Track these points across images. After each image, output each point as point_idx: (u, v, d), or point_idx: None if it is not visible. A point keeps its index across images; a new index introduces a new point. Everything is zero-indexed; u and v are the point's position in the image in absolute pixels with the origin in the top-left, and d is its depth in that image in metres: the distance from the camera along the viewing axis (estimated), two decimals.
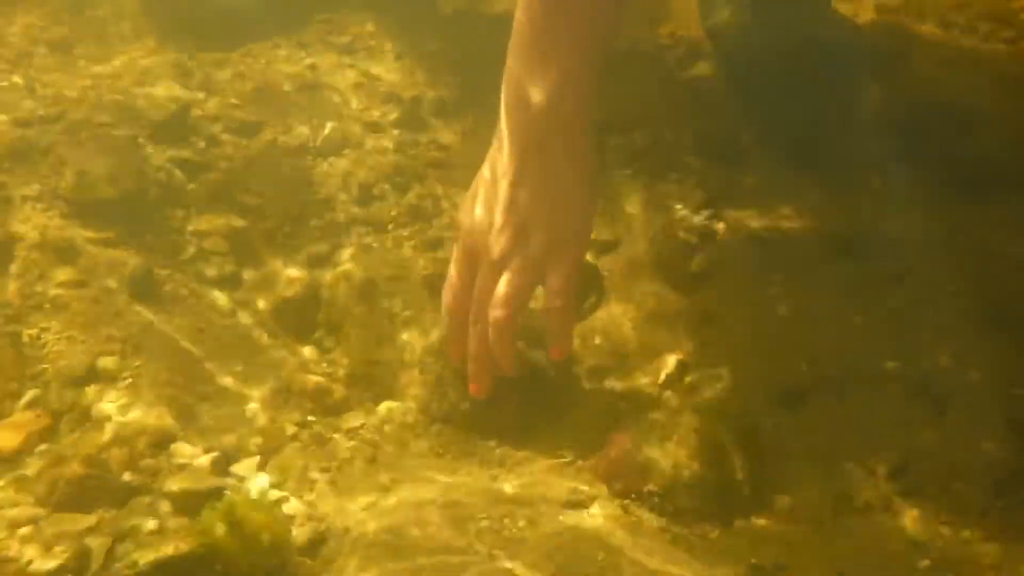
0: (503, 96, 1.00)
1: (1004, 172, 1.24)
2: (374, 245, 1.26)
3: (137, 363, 1.05)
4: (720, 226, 1.26)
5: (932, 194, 1.24)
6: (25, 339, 1.06)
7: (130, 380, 1.04)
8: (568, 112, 0.96)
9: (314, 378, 1.11)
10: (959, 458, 0.96)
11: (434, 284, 1.18)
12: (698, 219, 1.27)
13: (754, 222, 1.26)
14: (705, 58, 1.45)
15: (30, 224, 1.17)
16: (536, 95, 0.95)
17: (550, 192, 0.97)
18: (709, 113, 1.38)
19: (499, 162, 0.99)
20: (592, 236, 1.24)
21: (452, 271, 1.02)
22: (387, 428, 1.06)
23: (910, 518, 0.93)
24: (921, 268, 1.16)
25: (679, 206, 1.28)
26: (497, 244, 0.97)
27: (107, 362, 1.05)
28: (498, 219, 0.97)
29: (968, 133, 1.26)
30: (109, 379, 1.04)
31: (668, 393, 1.09)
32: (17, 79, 1.39)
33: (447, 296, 1.03)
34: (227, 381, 1.08)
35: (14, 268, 1.13)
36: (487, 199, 0.98)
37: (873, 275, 1.17)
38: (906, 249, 1.19)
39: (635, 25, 1.53)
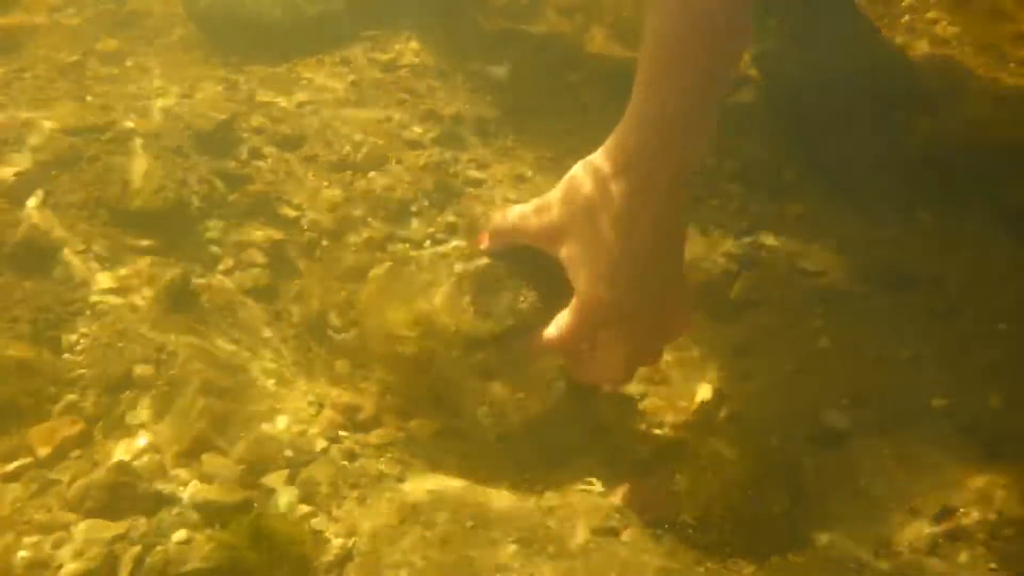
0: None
1: None
2: (412, 262, 1.26)
3: (172, 372, 1.05)
4: (761, 255, 1.24)
5: (983, 233, 1.21)
6: (65, 344, 1.07)
7: (165, 389, 1.04)
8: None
9: (346, 393, 1.11)
10: (1009, 503, 0.92)
11: None
12: (739, 246, 1.25)
13: (797, 252, 1.24)
14: (750, 85, 1.43)
15: (74, 231, 1.18)
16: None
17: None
18: (753, 141, 1.37)
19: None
20: None
21: (578, 330, 0.95)
22: (416, 446, 1.05)
23: (957, 565, 0.89)
24: (970, 306, 1.13)
25: (720, 233, 1.27)
26: (641, 319, 0.94)
27: (143, 370, 1.05)
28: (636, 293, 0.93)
29: (1021, 174, 1.22)
30: (144, 387, 1.04)
31: (705, 423, 1.07)
32: (68, 88, 1.42)
33: (556, 344, 0.97)
34: (260, 393, 1.08)
35: (56, 274, 1.14)
36: (628, 282, 0.93)
37: (920, 311, 1.14)
38: (955, 286, 1.16)
39: None
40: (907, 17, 1.43)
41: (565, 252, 0.95)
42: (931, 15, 1.43)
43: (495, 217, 1.01)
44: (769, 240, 1.25)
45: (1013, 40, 1.37)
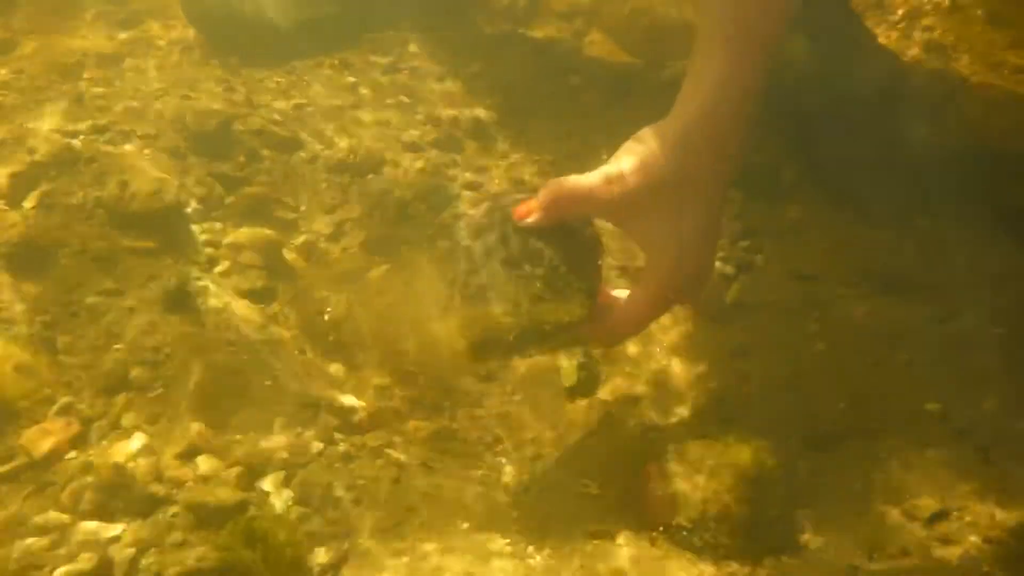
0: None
1: None
2: (409, 263, 1.26)
3: (168, 374, 1.06)
4: (758, 258, 1.24)
5: (980, 237, 1.21)
6: (60, 346, 1.07)
7: (161, 391, 1.04)
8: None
9: (342, 395, 1.11)
10: (1002, 507, 0.92)
11: None
12: (736, 250, 1.25)
13: (794, 255, 1.24)
14: None
15: (71, 232, 1.18)
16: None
17: None
18: (751, 146, 1.37)
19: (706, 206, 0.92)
20: (628, 263, 1.24)
21: (657, 304, 0.95)
22: (412, 448, 1.06)
23: (949, 568, 0.89)
24: (966, 310, 1.13)
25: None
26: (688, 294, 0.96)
27: (139, 372, 1.06)
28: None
29: (1018, 179, 1.23)
30: (140, 389, 1.04)
31: (701, 425, 1.07)
32: (66, 90, 1.42)
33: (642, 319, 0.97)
34: (256, 395, 1.08)
35: (54, 275, 1.14)
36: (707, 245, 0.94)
37: (916, 315, 1.14)
38: (951, 290, 1.16)
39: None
40: (903, 23, 1.43)
41: (644, 225, 0.93)
42: (927, 21, 1.43)
43: (553, 189, 0.93)
44: (766, 243, 1.26)
45: (1009, 47, 1.37)
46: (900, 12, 1.44)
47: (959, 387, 1.05)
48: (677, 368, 1.13)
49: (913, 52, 1.41)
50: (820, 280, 1.20)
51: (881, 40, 1.42)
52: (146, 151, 1.28)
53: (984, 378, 1.05)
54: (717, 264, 1.23)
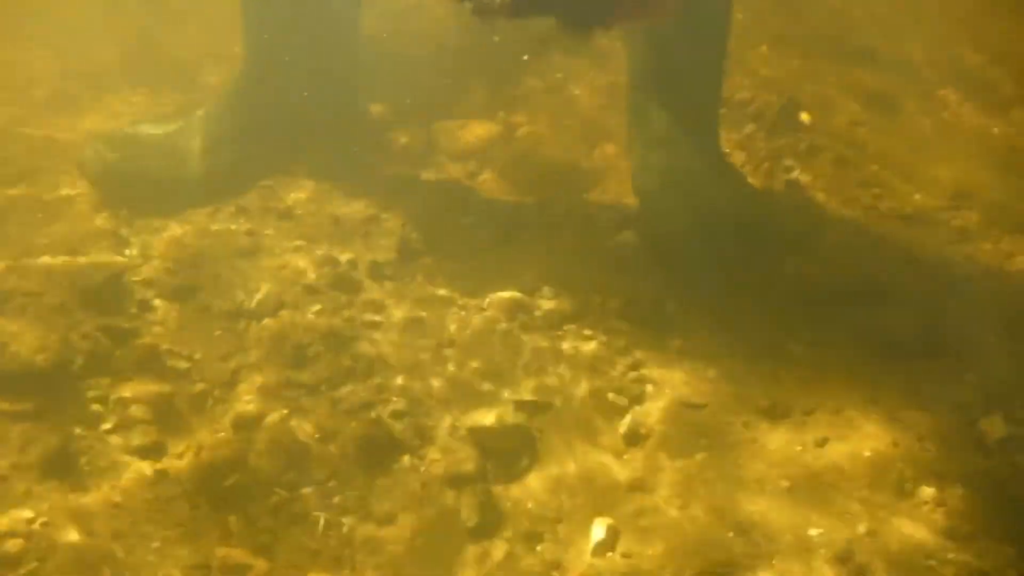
0: None
1: (916, 342, 1.30)
2: (306, 407, 1.25)
3: (43, 545, 1.00)
4: (648, 388, 1.29)
5: (849, 361, 1.29)
6: None
7: (35, 565, 0.99)
8: None
9: (237, 551, 1.07)
10: None
11: (366, 446, 1.18)
12: (627, 381, 1.30)
13: (681, 385, 1.29)
14: (632, 226, 1.52)
15: None
16: None
17: None
18: (635, 279, 1.43)
19: None
20: (523, 398, 1.27)
21: None
22: None
23: None
24: (839, 434, 1.19)
25: (608, 368, 1.31)
26: None
27: (12, 545, 1.00)
28: None
29: (880, 304, 1.33)
30: (13, 565, 0.98)
31: (599, 562, 1.08)
32: None
33: None
34: (142, 560, 1.04)
35: None
36: None
37: (796, 440, 1.20)
38: (825, 414, 1.22)
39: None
40: (766, 164, 1.57)
41: None
42: (787, 162, 1.57)
43: None
44: (654, 374, 1.31)
45: (857, 186, 1.52)
46: (763, 154, 1.58)
47: (835, 512, 1.10)
48: (574, 502, 1.15)
49: (777, 189, 1.54)
50: (705, 409, 1.25)
51: (750, 180, 1.55)
52: (30, 309, 1.25)
53: (856, 501, 1.10)
54: (609, 396, 1.27)
